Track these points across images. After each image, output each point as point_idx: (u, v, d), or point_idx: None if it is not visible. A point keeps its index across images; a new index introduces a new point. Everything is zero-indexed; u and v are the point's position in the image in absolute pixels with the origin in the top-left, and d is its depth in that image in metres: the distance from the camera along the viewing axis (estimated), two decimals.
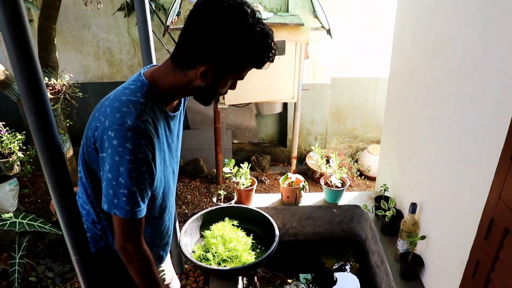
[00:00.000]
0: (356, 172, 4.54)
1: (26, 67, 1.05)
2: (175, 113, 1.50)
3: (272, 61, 1.38)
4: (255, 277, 2.92)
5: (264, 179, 4.57)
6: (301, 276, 3.00)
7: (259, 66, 1.38)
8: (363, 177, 4.57)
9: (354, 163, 4.64)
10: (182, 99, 1.57)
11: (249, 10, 1.27)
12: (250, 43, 1.28)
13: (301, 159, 4.71)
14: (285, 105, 4.75)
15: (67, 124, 3.25)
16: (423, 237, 2.26)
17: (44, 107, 1.11)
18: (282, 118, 4.92)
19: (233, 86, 1.46)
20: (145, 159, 1.28)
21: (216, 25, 1.24)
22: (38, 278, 3.09)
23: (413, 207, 2.32)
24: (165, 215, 1.63)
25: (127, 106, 1.28)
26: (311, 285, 2.92)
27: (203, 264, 2.24)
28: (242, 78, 1.43)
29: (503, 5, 1.51)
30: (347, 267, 3.08)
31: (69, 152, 3.48)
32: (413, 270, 2.34)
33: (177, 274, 3.00)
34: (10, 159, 3.16)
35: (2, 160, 3.15)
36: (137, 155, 1.25)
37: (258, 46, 1.30)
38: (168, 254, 1.97)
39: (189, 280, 3.01)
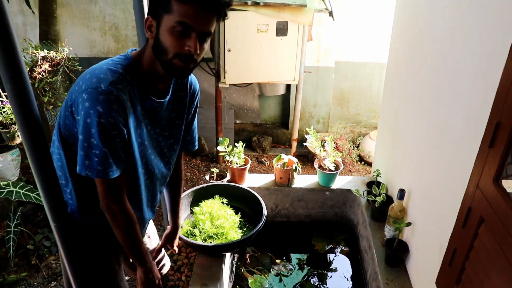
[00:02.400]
0: (356, 157, 4.53)
1: (2, 35, 1.07)
2: (162, 100, 1.48)
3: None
4: (247, 255, 2.96)
5: (264, 160, 4.59)
6: (293, 256, 3.03)
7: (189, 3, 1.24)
8: (363, 162, 4.57)
9: (355, 148, 4.63)
10: (171, 86, 1.52)
11: None
12: None
13: (303, 141, 4.71)
14: (288, 86, 4.74)
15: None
16: (408, 224, 2.27)
17: (20, 74, 1.13)
18: (285, 99, 4.92)
19: (183, 36, 1.28)
20: (115, 124, 1.30)
21: None
22: (35, 246, 3.16)
23: (401, 193, 2.32)
24: (141, 193, 1.61)
25: (105, 73, 1.30)
26: (304, 265, 2.95)
27: (189, 239, 2.27)
28: (181, 21, 1.25)
29: None
30: (337, 251, 3.10)
31: None
32: (398, 256, 2.35)
33: (169, 250, 3.05)
34: (11, 129, 3.21)
35: (4, 130, 3.20)
36: (107, 119, 1.27)
37: None
38: (153, 229, 2.05)
39: (180, 256, 3.05)
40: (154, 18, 1.30)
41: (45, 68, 2.89)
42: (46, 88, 2.95)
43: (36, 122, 1.21)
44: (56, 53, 2.92)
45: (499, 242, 1.33)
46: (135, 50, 1.45)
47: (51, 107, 3.19)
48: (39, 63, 2.89)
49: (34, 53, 2.89)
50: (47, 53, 2.90)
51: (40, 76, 2.89)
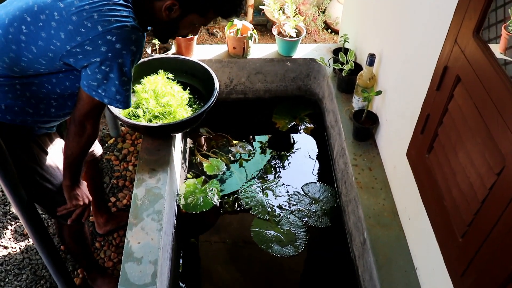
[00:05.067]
0: (322, 24, 4.44)
1: None
2: None
3: (237, 15, 1.61)
4: (202, 138, 2.98)
5: (216, 31, 4.45)
6: (256, 138, 3.07)
7: (224, 15, 1.57)
8: (330, 30, 4.49)
9: (320, 14, 4.51)
10: None
11: None
12: None
13: (260, 10, 4.55)
14: None
15: None
16: (379, 92, 2.29)
17: None
18: None
19: (195, 31, 1.65)
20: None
21: None
22: None
23: (371, 59, 2.31)
24: None
25: (119, 11, 1.42)
26: (267, 148, 3.00)
27: (132, 120, 2.24)
28: (206, 24, 1.62)
29: None
30: (301, 128, 3.15)
31: None
32: (367, 129, 2.41)
33: (112, 137, 3.04)
34: None
35: None
36: (137, 56, 1.48)
37: None
38: None
39: (126, 144, 3.04)
40: (180, 9, 1.50)
41: None
42: None
43: None
44: None
45: (475, 101, 1.35)
46: None
47: None
48: None
49: None
50: None
51: None
